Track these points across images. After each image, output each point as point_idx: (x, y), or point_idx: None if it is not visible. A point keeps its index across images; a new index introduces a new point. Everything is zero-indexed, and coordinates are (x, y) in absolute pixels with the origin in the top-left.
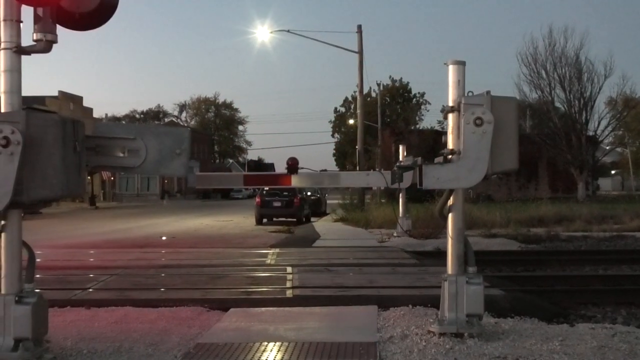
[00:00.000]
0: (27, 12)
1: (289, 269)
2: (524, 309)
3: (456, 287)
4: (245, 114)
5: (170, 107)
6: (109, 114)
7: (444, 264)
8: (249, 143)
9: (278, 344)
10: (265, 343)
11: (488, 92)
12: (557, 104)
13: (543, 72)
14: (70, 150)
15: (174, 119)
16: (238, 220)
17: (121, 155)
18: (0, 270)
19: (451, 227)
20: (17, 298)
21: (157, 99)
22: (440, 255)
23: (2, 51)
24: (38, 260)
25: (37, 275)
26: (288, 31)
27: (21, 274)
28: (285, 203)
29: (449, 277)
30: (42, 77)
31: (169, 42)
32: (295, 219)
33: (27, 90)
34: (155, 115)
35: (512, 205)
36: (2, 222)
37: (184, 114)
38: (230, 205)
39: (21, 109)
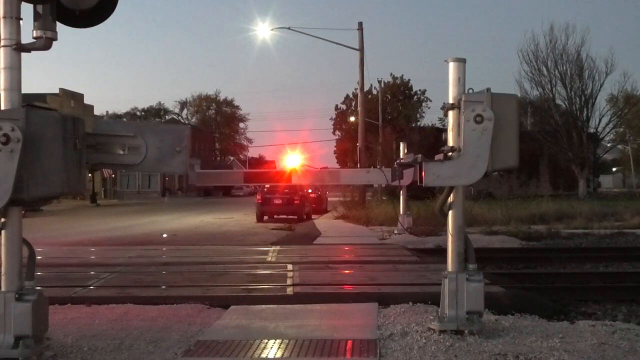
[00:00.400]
0: (26, 10)
1: (290, 267)
2: (524, 306)
3: (456, 285)
4: (246, 111)
5: (171, 104)
6: (110, 112)
7: (445, 261)
8: (250, 140)
9: (278, 341)
10: (266, 340)
11: (488, 90)
12: (558, 101)
13: (544, 69)
14: (70, 147)
15: (175, 117)
16: (239, 218)
17: (121, 152)
18: (0, 268)
19: (451, 224)
20: (17, 295)
21: (158, 97)
22: (441, 252)
23: (2, 49)
24: (39, 257)
25: (38, 273)
26: (289, 28)
27: (21, 271)
28: (286, 200)
29: (449, 275)
30: (43, 75)
31: (170, 40)
32: (296, 217)
33: (28, 87)
34: (156, 112)
35: (513, 202)
36: (3, 220)
37: (184, 112)
38: (231, 202)
39: (21, 106)
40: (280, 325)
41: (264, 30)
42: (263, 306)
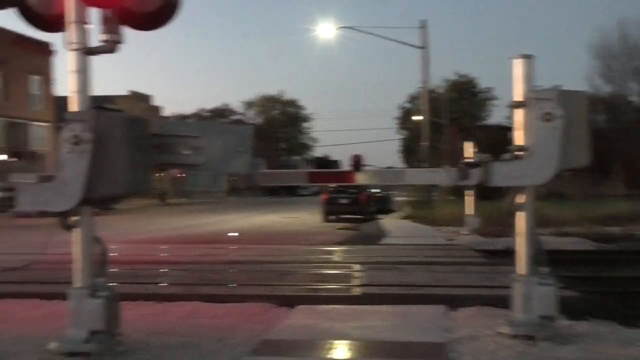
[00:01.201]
0: (93, 14)
1: (356, 267)
2: (600, 312)
3: (528, 288)
4: (310, 111)
5: (236, 105)
6: (177, 113)
7: (514, 264)
8: (314, 140)
9: (345, 342)
10: (332, 341)
11: (558, 86)
12: (631, 97)
13: (616, 65)
14: (136, 148)
15: (239, 117)
16: (304, 217)
17: (186, 153)
18: (74, 265)
19: (521, 225)
20: (90, 292)
21: (223, 97)
22: (510, 254)
23: (71, 52)
24: (110, 255)
25: (110, 270)
26: (353, 28)
27: (94, 268)
28: (352, 200)
29: (520, 277)
30: (113, 77)
31: (235, 41)
32: (361, 216)
33: (99, 89)
34: (221, 113)
35: (585, 202)
36: (75, 218)
37: (249, 112)
38: (296, 202)
39: (91, 108)
40: (346, 325)
41: (327, 30)
42: (329, 306)
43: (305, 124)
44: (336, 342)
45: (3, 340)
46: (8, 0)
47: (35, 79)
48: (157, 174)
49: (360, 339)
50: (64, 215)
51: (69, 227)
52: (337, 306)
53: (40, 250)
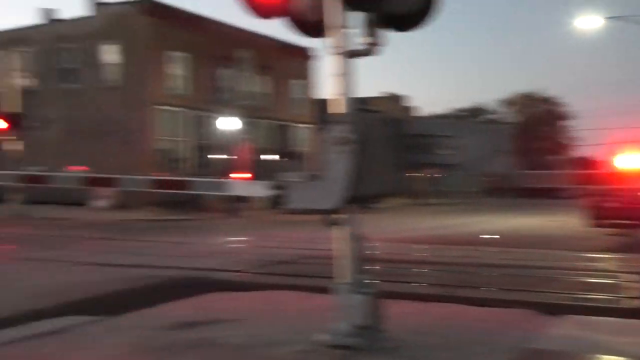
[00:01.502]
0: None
1: (628, 277)
2: None
3: None
4: (572, 108)
5: (490, 103)
6: (431, 112)
7: None
8: (575, 139)
9: (616, 358)
10: (602, 356)
11: None
12: None
13: None
14: (395, 148)
15: (494, 116)
16: (566, 221)
17: (442, 152)
18: (339, 261)
19: None
20: (355, 287)
21: (476, 96)
22: None
23: (334, 56)
24: (371, 252)
25: (369, 267)
26: (622, 18)
27: (358, 265)
28: (622, 203)
29: None
30: (367, 78)
31: (490, 38)
32: (634, 222)
33: (357, 90)
34: (475, 112)
35: None
36: (340, 216)
37: (505, 110)
38: (554, 204)
39: (354, 110)
40: (618, 340)
41: (592, 22)
42: (598, 318)
43: (565, 122)
44: (606, 357)
45: (278, 328)
46: (276, 10)
47: (296, 83)
48: (414, 174)
49: (635, 356)
50: (329, 213)
51: (332, 225)
52: (607, 318)
53: (307, 245)
